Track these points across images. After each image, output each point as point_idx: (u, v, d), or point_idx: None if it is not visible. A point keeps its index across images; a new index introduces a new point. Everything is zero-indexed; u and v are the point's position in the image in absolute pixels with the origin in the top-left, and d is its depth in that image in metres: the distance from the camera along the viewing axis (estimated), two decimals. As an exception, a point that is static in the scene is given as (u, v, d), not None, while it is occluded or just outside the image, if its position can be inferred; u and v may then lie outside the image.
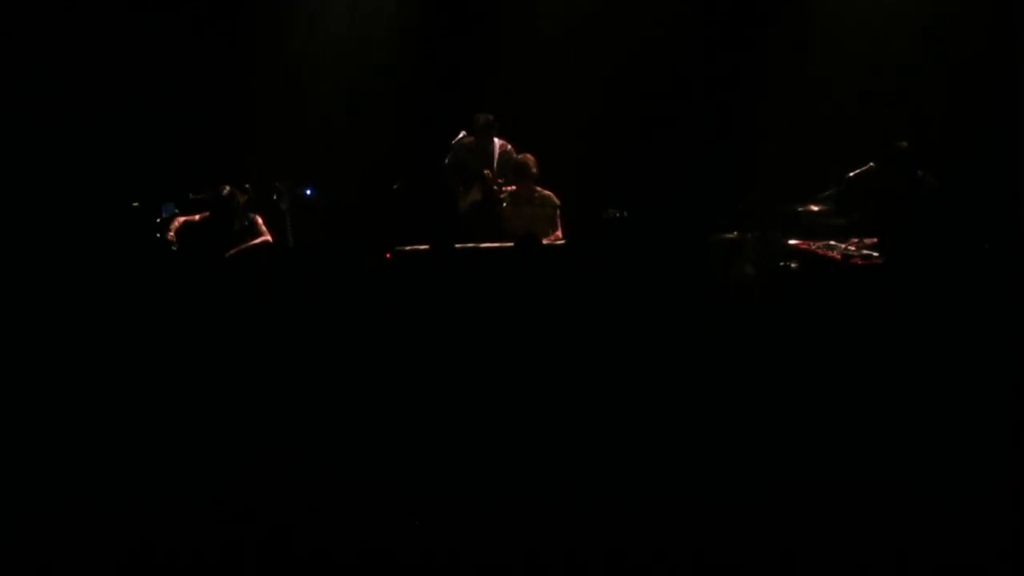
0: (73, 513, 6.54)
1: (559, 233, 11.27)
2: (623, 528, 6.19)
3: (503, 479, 6.99)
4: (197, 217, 10.81)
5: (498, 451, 7.50)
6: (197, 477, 7.17)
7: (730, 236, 11.29)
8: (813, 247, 10.50)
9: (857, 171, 10.92)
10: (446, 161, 12.01)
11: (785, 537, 5.97)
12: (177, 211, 11.15)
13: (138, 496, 6.79)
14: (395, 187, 11.67)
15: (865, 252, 10.21)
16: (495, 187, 11.39)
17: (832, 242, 10.53)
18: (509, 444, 7.60)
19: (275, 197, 11.83)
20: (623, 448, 7.47)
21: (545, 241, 10.84)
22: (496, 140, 11.94)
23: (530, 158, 11.44)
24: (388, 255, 10.69)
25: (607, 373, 8.67)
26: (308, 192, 12.57)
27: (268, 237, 11.04)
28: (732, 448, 7.37)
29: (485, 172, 11.51)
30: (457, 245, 10.50)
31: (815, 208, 11.06)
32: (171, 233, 10.72)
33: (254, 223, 10.97)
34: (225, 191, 10.64)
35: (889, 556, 5.70)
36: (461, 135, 11.87)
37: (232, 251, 10.70)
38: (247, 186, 11.07)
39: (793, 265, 10.58)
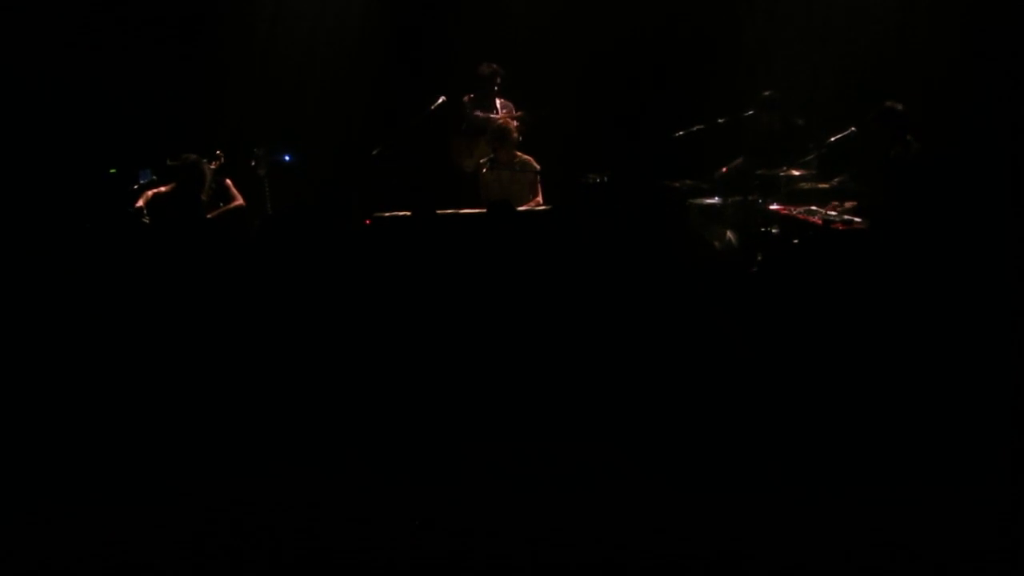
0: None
1: (539, 199, 11.26)
2: (616, 512, 6.19)
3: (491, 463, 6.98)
4: (164, 188, 10.76)
5: (485, 432, 7.46)
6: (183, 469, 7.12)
7: (710, 201, 11.27)
8: (794, 212, 10.43)
9: (838, 135, 10.87)
10: (464, 126, 12.10)
11: (781, 527, 5.95)
12: (155, 177, 11.08)
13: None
14: (374, 153, 11.60)
15: (846, 217, 10.13)
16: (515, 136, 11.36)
17: (813, 207, 10.47)
18: (496, 424, 7.56)
19: (253, 163, 11.78)
20: (611, 425, 7.42)
21: (525, 207, 10.82)
22: (498, 100, 11.93)
23: (511, 123, 11.44)
24: (368, 221, 10.64)
25: (588, 342, 8.59)
26: (286, 158, 12.52)
27: (241, 201, 11.03)
28: (719, 428, 7.31)
29: (499, 123, 11.48)
30: (439, 211, 10.44)
31: (796, 173, 11.02)
32: (140, 202, 10.66)
33: (225, 188, 10.95)
34: (189, 160, 10.58)
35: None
36: (440, 100, 11.81)
37: (211, 215, 10.68)
38: (218, 152, 11.02)
39: (774, 230, 10.53)
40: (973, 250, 9.09)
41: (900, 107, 10.23)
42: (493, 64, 12.02)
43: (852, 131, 10.77)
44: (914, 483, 6.35)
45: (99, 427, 7.70)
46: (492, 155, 11.35)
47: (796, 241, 10.15)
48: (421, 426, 7.54)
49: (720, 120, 11.48)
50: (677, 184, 11.20)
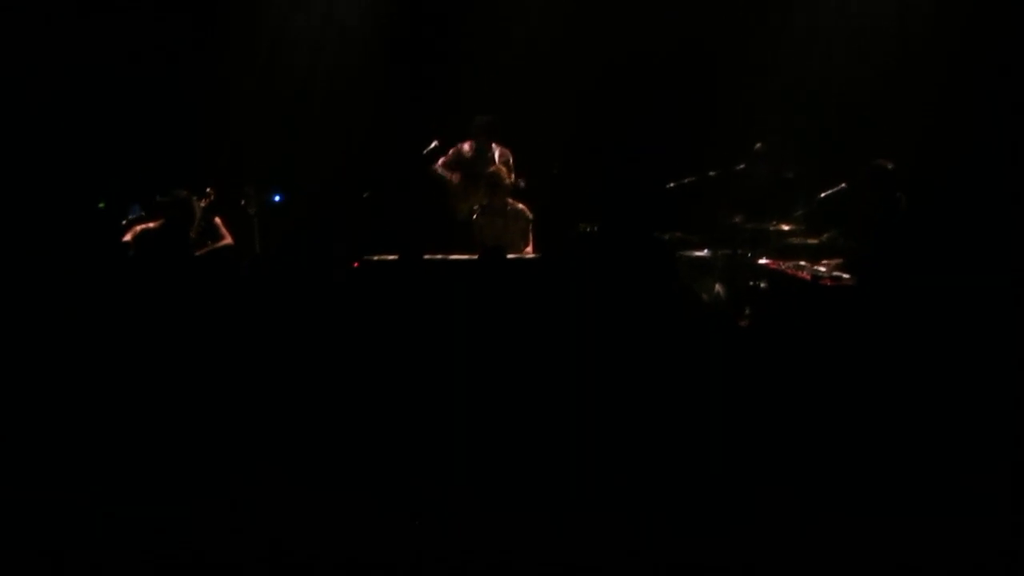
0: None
1: (530, 247, 11.27)
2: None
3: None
4: (152, 224, 10.74)
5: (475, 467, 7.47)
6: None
7: (700, 254, 11.26)
8: (783, 267, 10.43)
9: (829, 191, 10.89)
10: (440, 162, 12.06)
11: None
12: (144, 213, 11.07)
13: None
14: (365, 196, 11.63)
15: (835, 273, 10.13)
16: (508, 183, 11.40)
17: (802, 262, 10.47)
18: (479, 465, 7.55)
19: (243, 202, 11.77)
20: (597, 464, 7.41)
21: (516, 255, 10.81)
22: (496, 146, 11.95)
23: (503, 169, 11.47)
24: (356, 264, 10.63)
25: (574, 389, 8.55)
26: (277, 198, 12.52)
27: (230, 240, 11.01)
28: (703, 476, 7.31)
29: (492, 170, 11.53)
30: (427, 256, 10.42)
31: (785, 227, 11.03)
32: (127, 236, 10.65)
33: (215, 226, 10.93)
34: (180, 196, 10.56)
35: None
36: (434, 144, 11.85)
37: (199, 252, 10.66)
38: (208, 190, 11.01)
39: (762, 284, 10.52)
40: (962, 307, 9.09)
41: (890, 165, 10.26)
42: (488, 115, 12.03)
43: (843, 187, 10.80)
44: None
45: (83, 459, 7.69)
46: (486, 201, 11.39)
47: (784, 296, 10.14)
48: (403, 467, 7.55)
49: (711, 173, 11.52)
50: (667, 236, 11.18)
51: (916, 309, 9.14)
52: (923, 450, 7.49)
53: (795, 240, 10.97)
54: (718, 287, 11.03)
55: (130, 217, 11.09)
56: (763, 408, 8.16)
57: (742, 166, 11.58)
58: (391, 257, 10.49)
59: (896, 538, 6.25)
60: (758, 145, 11.65)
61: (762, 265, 10.66)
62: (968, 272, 9.35)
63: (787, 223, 11.07)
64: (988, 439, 7.59)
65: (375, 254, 10.64)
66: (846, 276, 10.01)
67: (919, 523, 6.46)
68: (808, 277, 10.09)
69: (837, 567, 5.92)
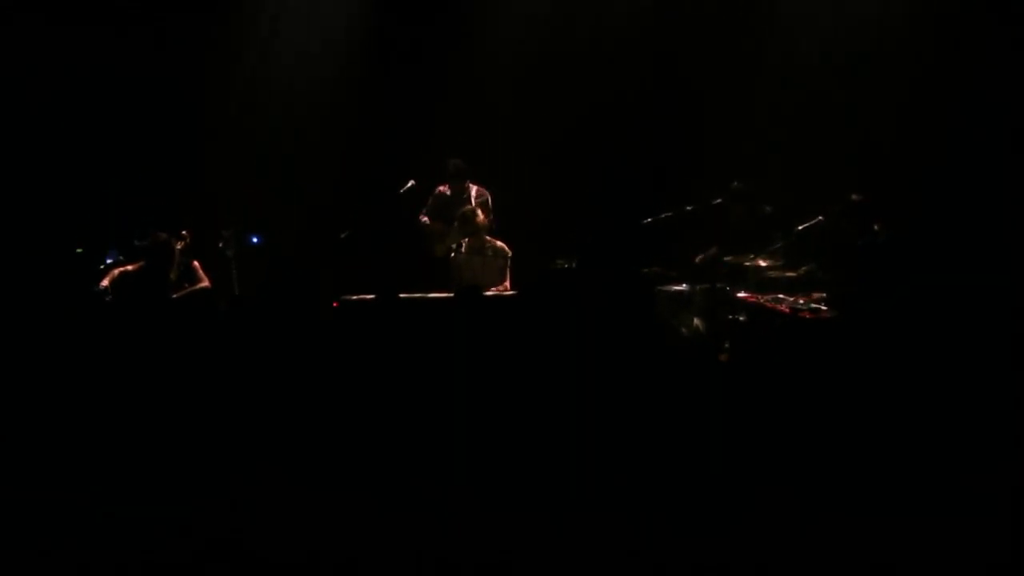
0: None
1: (507, 284, 11.30)
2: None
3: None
4: (131, 267, 10.72)
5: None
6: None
7: (678, 288, 11.27)
8: (761, 300, 10.46)
9: (805, 224, 10.94)
10: (425, 211, 12.21)
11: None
12: (122, 258, 11.06)
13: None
14: (343, 236, 11.65)
15: (814, 306, 10.17)
16: (482, 220, 11.52)
17: (780, 295, 10.50)
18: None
19: (221, 244, 11.77)
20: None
21: (493, 291, 10.84)
22: (472, 186, 12.08)
23: (478, 208, 11.54)
24: (335, 304, 10.63)
25: (550, 426, 8.55)
26: (254, 240, 12.53)
27: (207, 283, 10.99)
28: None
29: (465, 208, 11.64)
30: (402, 295, 10.44)
31: (763, 262, 11.07)
32: (105, 281, 10.62)
33: (192, 269, 10.92)
34: (160, 239, 10.55)
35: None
36: (410, 184, 11.92)
37: (176, 295, 10.64)
38: (184, 233, 11.00)
39: (741, 318, 10.54)
40: (942, 337, 9.15)
41: (866, 198, 10.33)
42: (459, 160, 12.13)
43: (819, 220, 10.84)
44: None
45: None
46: (464, 240, 11.44)
47: (763, 329, 10.17)
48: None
49: (688, 208, 11.57)
50: (645, 271, 11.20)
51: (896, 340, 9.23)
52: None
53: (773, 274, 10.97)
54: (697, 321, 11.03)
55: (108, 262, 11.07)
56: (742, 439, 8.20)
57: (719, 201, 11.65)
58: (369, 297, 10.51)
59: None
60: (735, 183, 11.71)
61: (741, 298, 10.67)
62: (953, 289, 9.47)
63: (765, 257, 11.09)
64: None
65: (354, 294, 10.65)
66: (824, 308, 10.07)
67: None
68: (787, 310, 10.13)
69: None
